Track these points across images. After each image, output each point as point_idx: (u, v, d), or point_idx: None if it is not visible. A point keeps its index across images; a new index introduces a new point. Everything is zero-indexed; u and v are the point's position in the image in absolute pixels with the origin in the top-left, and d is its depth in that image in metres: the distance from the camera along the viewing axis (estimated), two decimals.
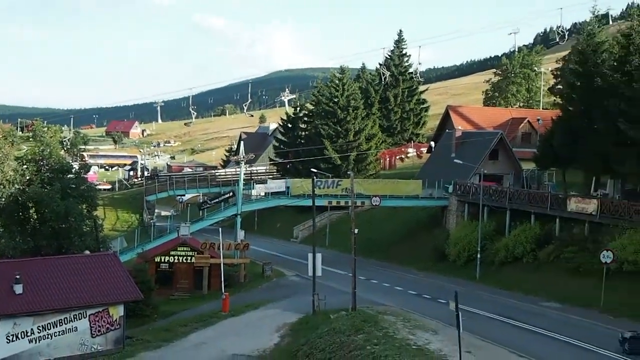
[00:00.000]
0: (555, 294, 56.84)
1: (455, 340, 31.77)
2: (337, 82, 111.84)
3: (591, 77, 68.05)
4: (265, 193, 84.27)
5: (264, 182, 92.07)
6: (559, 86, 79.72)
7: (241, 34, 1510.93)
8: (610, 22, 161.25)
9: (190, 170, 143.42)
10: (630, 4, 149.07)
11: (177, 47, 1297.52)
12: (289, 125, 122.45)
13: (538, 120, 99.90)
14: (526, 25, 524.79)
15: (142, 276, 57.19)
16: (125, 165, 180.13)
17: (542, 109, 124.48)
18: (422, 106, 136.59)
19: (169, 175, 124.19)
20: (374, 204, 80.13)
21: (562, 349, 41.89)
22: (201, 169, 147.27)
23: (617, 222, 57.30)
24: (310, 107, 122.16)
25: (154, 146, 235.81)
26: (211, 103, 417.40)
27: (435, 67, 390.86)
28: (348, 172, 71.45)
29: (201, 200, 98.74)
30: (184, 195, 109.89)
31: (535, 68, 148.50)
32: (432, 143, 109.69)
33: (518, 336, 44.75)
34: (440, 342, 40.29)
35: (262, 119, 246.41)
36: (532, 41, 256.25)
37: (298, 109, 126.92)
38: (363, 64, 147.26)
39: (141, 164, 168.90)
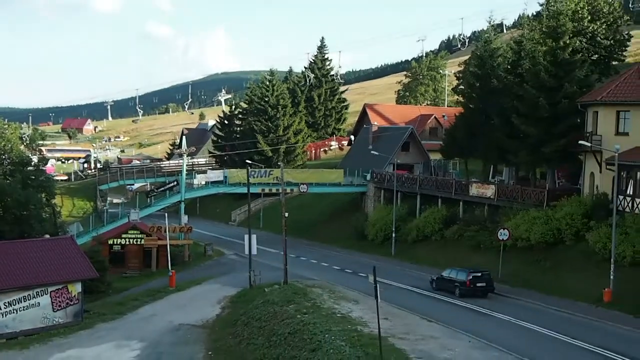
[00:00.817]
0: (459, 267, 57.29)
1: (374, 308, 31.92)
2: (267, 83, 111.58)
3: (488, 78, 69.15)
4: (206, 182, 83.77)
5: (204, 172, 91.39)
6: (461, 87, 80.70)
7: (183, 40, 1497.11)
8: (505, 31, 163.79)
9: (139, 162, 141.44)
10: (521, 14, 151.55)
11: (126, 52, 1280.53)
12: (226, 122, 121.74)
13: (443, 116, 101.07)
14: (432, 32, 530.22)
15: (97, 257, 56.51)
16: (79, 158, 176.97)
17: (447, 106, 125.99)
18: (342, 104, 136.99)
19: (119, 167, 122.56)
20: (301, 190, 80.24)
21: (463, 314, 42.55)
22: (148, 161, 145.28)
23: (511, 205, 58.19)
24: (244, 105, 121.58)
25: (105, 141, 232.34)
26: (156, 102, 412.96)
27: (354, 69, 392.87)
28: (278, 163, 71.66)
29: (149, 189, 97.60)
30: (133, 184, 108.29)
31: (441, 71, 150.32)
32: (352, 137, 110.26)
33: (427, 304, 45.33)
34: (361, 311, 40.57)
35: (202, 116, 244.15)
36: (437, 47, 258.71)
37: (233, 107, 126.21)
38: (290, 67, 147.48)
39: (94, 157, 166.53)
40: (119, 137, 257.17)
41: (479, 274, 49.82)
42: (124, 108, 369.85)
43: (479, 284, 49.05)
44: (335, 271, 60.31)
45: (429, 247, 64.61)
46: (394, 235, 67.26)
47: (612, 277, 43.61)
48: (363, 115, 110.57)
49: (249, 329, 40.53)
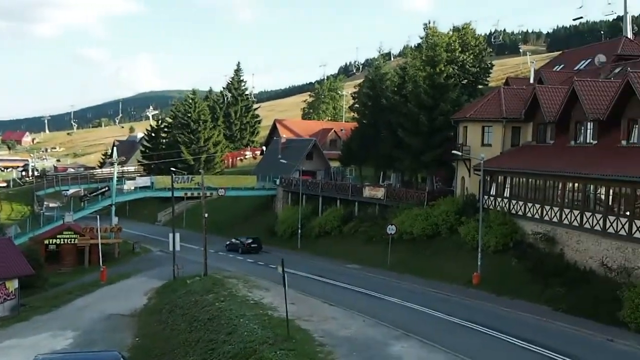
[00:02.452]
0: (355, 258, 58.41)
1: (282, 295, 32.26)
2: (190, 101, 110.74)
3: (378, 98, 70.57)
4: (135, 187, 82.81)
5: (133, 179, 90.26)
6: (356, 105, 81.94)
7: (115, 62, 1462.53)
8: (392, 59, 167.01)
9: (73, 170, 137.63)
10: (405, 45, 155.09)
11: (63, 72, 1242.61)
12: (153, 135, 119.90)
13: (341, 130, 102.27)
14: (332, 59, 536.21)
15: (34, 255, 54.92)
16: (18, 167, 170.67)
17: (345, 122, 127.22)
18: (256, 119, 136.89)
19: (56, 175, 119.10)
20: (220, 194, 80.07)
21: (359, 298, 43.09)
22: (82, 169, 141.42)
23: (398, 204, 59.50)
24: (170, 120, 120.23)
25: (42, 151, 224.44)
26: (90, 117, 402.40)
27: (266, 90, 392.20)
28: (199, 170, 71.24)
29: (82, 194, 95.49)
30: (68, 190, 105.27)
31: (339, 91, 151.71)
32: (264, 147, 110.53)
33: (329, 290, 45.78)
34: (271, 297, 40.58)
35: (132, 129, 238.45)
36: (336, 71, 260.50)
37: (160, 122, 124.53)
38: (210, 87, 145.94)
39: (32, 165, 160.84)
40: (55, 148, 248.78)
41: (252, 240, 68.67)
42: (60, 122, 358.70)
43: (252, 245, 67.94)
44: (249, 264, 60.40)
45: (330, 241, 65.37)
46: (299, 231, 67.87)
47: (479, 263, 45.13)
48: (273, 129, 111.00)
49: (173, 316, 40.23)
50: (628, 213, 37.06)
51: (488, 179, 51.11)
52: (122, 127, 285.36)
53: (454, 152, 52.92)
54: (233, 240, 70.26)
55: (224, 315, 35.70)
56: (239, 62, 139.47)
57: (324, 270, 54.21)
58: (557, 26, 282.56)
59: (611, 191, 38.87)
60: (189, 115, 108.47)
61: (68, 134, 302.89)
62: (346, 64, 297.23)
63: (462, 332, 33.66)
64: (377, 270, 53.11)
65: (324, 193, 71.64)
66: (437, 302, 40.70)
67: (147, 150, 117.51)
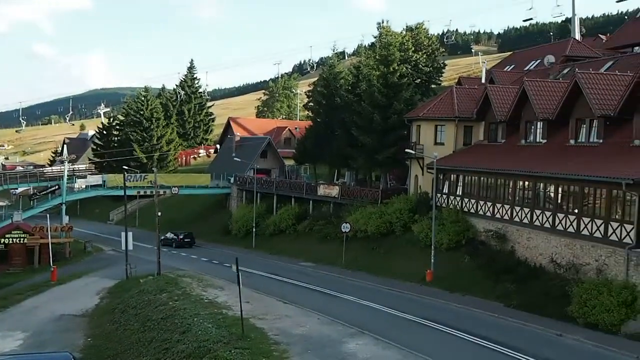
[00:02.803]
0: (310, 256, 58.49)
1: (237, 293, 32.28)
2: (142, 98, 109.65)
3: (332, 97, 70.65)
4: (86, 186, 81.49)
5: (84, 177, 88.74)
6: (310, 104, 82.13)
7: (66, 59, 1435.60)
8: (346, 58, 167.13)
9: (22, 168, 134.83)
10: (359, 44, 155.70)
11: (12, 69, 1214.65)
12: (104, 132, 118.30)
13: (296, 128, 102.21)
14: (287, 57, 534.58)
15: None
16: None
17: (299, 120, 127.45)
18: (209, 118, 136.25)
19: (4, 173, 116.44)
20: (173, 192, 79.35)
21: (314, 296, 43.21)
22: (32, 167, 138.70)
23: (352, 202, 59.75)
24: (122, 118, 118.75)
25: None
26: (39, 114, 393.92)
27: (220, 88, 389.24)
28: (152, 168, 70.49)
29: (32, 193, 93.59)
30: (17, 188, 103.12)
31: (293, 90, 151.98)
32: (218, 146, 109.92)
33: (283, 288, 45.72)
34: (226, 296, 40.59)
35: (83, 127, 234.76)
36: (291, 70, 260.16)
37: (112, 119, 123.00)
38: (163, 85, 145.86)
39: None
40: (3, 146, 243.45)
41: (185, 234, 72.20)
42: (8, 119, 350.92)
43: (185, 240, 71.22)
44: (203, 262, 60.06)
45: (284, 239, 65.37)
46: (254, 230, 67.65)
47: (432, 260, 45.54)
48: (227, 127, 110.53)
49: (126, 316, 39.80)
50: (576, 211, 37.90)
51: (441, 177, 51.69)
52: (73, 124, 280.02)
53: (407, 150, 53.41)
54: (167, 235, 72.16)
55: (177, 315, 35.49)
56: (192, 60, 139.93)
57: (278, 269, 54.21)
58: (508, 27, 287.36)
59: (560, 189, 39.70)
60: (142, 112, 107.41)
61: (16, 131, 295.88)
62: (300, 63, 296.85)
63: (416, 329, 34.02)
64: (332, 268, 53.23)
65: (279, 191, 71.58)
66: (391, 300, 41.02)
67: (98, 148, 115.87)
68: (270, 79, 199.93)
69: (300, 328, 33.15)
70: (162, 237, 68.28)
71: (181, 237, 71.79)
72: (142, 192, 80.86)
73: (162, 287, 43.56)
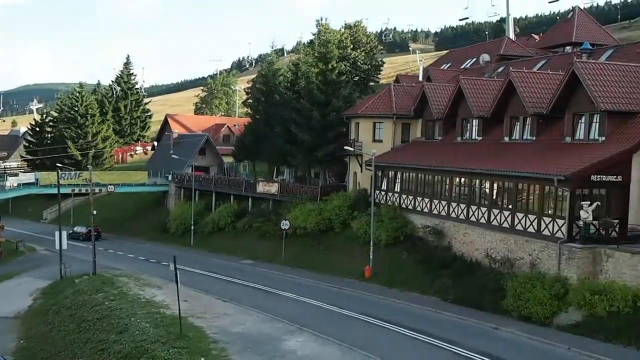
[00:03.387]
0: (249, 253, 58.18)
1: (175, 292, 31.97)
2: (77, 94, 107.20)
3: (271, 94, 70.33)
4: (18, 184, 79.24)
5: (16, 175, 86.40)
6: (249, 100, 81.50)
7: None
8: (285, 54, 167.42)
9: None
10: (298, 41, 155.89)
11: None
12: (37, 129, 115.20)
13: (235, 125, 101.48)
14: (226, 53, 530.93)
15: None
16: None
17: (238, 117, 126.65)
18: (147, 114, 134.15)
19: None
20: (109, 190, 77.68)
21: (254, 294, 43.00)
22: None
23: (291, 199, 59.73)
24: (55, 114, 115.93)
25: None
26: None
27: (157, 84, 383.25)
28: (88, 166, 68.98)
29: None
30: None
31: (232, 87, 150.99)
32: (155, 143, 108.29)
33: (222, 286, 45.42)
34: (164, 295, 40.14)
35: (14, 123, 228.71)
36: (230, 66, 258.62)
37: (45, 116, 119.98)
38: (99, 80, 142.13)
39: None
40: None
41: (91, 228, 63.52)
42: None
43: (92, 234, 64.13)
44: (140, 261, 59.09)
45: (223, 237, 64.88)
46: (192, 227, 67.03)
47: (371, 256, 45.85)
48: (165, 124, 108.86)
49: (60, 317, 39.00)
50: (511, 206, 38.63)
51: (379, 174, 52.05)
52: (4, 120, 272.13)
53: (346, 147, 53.68)
54: (75, 229, 74.02)
55: (114, 315, 35.01)
56: (128, 55, 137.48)
57: (217, 267, 53.79)
58: (445, 26, 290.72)
59: (495, 185, 40.42)
60: (76, 109, 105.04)
61: None
62: (239, 59, 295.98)
63: (356, 325, 34.19)
64: (272, 266, 53.15)
65: (217, 189, 71.04)
66: (331, 296, 41.16)
67: (31, 145, 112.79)
68: (209, 75, 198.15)
69: (240, 326, 33.04)
70: (70, 231, 70.50)
71: (88, 230, 69.36)
72: (76, 191, 78.81)
73: (97, 287, 42.75)
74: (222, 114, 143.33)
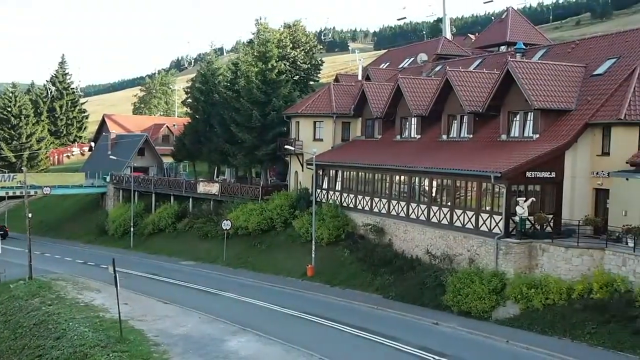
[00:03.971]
0: (190, 254, 57.68)
1: (115, 295, 31.45)
2: (9, 94, 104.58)
3: (211, 93, 69.82)
4: None
5: None
6: (189, 100, 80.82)
7: None
8: (224, 54, 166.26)
9: None
10: (238, 41, 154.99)
11: None
12: None
13: (174, 125, 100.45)
14: (163, 52, 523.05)
15: None
16: None
17: (177, 117, 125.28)
18: (83, 114, 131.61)
19: None
20: (45, 192, 75.96)
21: (195, 295, 42.62)
22: None
23: (233, 199, 59.37)
24: None
25: None
26: None
27: (94, 84, 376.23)
28: (22, 168, 67.24)
29: None
30: None
31: (171, 86, 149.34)
32: (93, 143, 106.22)
33: (163, 288, 44.86)
34: (103, 298, 39.42)
35: None
36: (168, 66, 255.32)
37: None
38: (32, 80, 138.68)
39: None
40: None
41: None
42: None
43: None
44: (79, 265, 57.69)
45: (164, 239, 64.10)
46: (132, 229, 66.02)
47: (313, 255, 45.98)
48: (102, 124, 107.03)
49: None
50: (449, 203, 39.23)
51: (320, 173, 52.19)
52: None
53: (286, 147, 53.73)
54: None
55: (51, 320, 34.25)
56: (63, 55, 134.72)
57: (158, 269, 53.07)
58: (383, 25, 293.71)
59: (434, 183, 40.97)
60: (9, 109, 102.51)
61: None
62: (178, 59, 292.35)
63: (298, 324, 34.22)
64: (213, 267, 52.80)
65: (157, 190, 70.14)
66: (273, 296, 41.08)
67: None
68: (147, 75, 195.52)
69: (181, 328, 32.71)
70: None
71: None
72: (11, 193, 76.92)
73: (34, 291, 41.63)
74: (161, 113, 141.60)
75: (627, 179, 33.17)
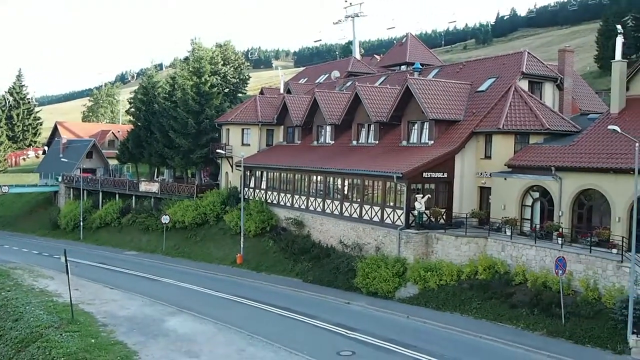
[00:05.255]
0: (133, 245, 56.29)
1: (67, 282, 30.31)
2: None
3: (151, 104, 68.40)
4: None
5: None
6: (132, 109, 78.68)
7: None
8: (163, 69, 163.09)
9: None
10: (175, 57, 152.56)
11: None
12: None
13: (118, 131, 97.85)
14: (110, 66, 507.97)
15: None
16: None
17: (122, 124, 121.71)
18: (37, 122, 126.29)
19: None
20: (3, 191, 72.54)
21: (138, 281, 41.34)
22: None
23: (171, 197, 58.17)
24: None
25: None
26: None
27: (47, 95, 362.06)
28: None
29: None
30: None
31: (116, 97, 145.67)
32: (46, 147, 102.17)
33: (109, 275, 43.39)
34: (56, 285, 37.82)
35: None
36: (114, 79, 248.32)
37: None
38: None
39: None
40: None
41: None
42: None
43: None
44: (34, 255, 55.22)
45: (110, 232, 62.15)
46: (81, 224, 63.76)
47: (242, 245, 45.49)
48: (55, 130, 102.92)
49: None
50: (359, 200, 39.41)
51: (248, 173, 51.65)
52: None
53: (218, 151, 52.99)
54: None
55: (10, 304, 32.83)
56: (20, 69, 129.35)
57: (105, 258, 51.37)
58: (303, 46, 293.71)
59: (346, 182, 41.09)
60: None
61: None
62: (122, 73, 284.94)
63: (229, 305, 33.70)
64: (154, 256, 51.57)
65: (104, 188, 67.99)
66: (207, 281, 40.45)
67: None
68: (95, 87, 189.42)
69: (126, 310, 31.87)
70: None
71: None
72: None
73: None
74: (108, 121, 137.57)
75: (505, 179, 34.13)
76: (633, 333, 23.89)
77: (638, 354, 23.50)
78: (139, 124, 70.59)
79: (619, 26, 39.02)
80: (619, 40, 33.26)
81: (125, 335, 27.06)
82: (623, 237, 27.44)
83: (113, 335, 27.01)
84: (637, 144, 24.35)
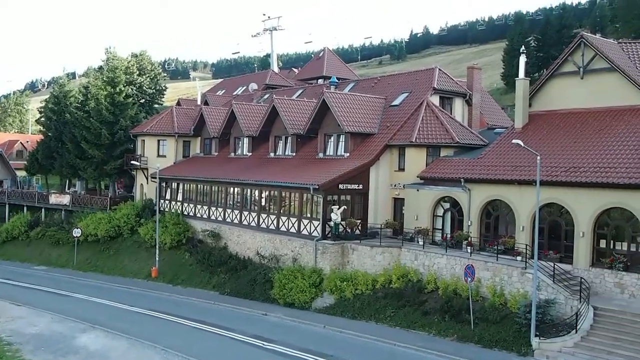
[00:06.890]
0: (43, 260, 53.83)
1: None
2: None
3: (63, 113, 65.99)
4: None
5: None
6: (42, 119, 75.62)
7: None
8: (77, 77, 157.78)
9: None
10: (89, 66, 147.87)
11: None
12: None
13: (27, 142, 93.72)
14: (18, 74, 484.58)
15: None
16: None
17: (31, 134, 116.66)
18: None
19: None
20: None
21: (47, 297, 39.70)
22: None
23: (83, 209, 56.31)
24: None
25: None
26: None
27: None
28: None
29: None
30: None
31: (25, 106, 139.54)
32: None
33: (16, 291, 41.25)
34: None
35: None
36: (23, 87, 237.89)
37: None
38: None
39: None
40: None
41: None
42: None
43: None
44: None
45: (17, 246, 59.08)
46: None
47: (157, 258, 44.49)
48: None
49: None
50: (276, 211, 39.42)
51: (164, 185, 50.71)
52: None
53: (133, 162, 51.74)
54: None
55: None
56: None
57: (11, 274, 48.84)
58: (221, 58, 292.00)
59: (263, 194, 41.02)
60: None
61: None
62: (32, 81, 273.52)
63: (143, 320, 32.84)
64: (65, 271, 49.58)
65: (11, 201, 64.91)
66: (121, 295, 39.32)
67: None
68: (2, 95, 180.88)
69: (33, 328, 30.57)
70: None
71: None
72: None
73: None
74: (16, 131, 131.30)
75: (417, 190, 35.06)
76: (536, 336, 25.02)
77: (540, 355, 24.59)
78: (50, 134, 67.92)
79: (522, 46, 41.09)
80: (522, 59, 35.04)
81: (32, 354, 26.00)
82: (527, 245, 28.80)
83: (18, 355, 25.85)
84: (538, 157, 25.66)
